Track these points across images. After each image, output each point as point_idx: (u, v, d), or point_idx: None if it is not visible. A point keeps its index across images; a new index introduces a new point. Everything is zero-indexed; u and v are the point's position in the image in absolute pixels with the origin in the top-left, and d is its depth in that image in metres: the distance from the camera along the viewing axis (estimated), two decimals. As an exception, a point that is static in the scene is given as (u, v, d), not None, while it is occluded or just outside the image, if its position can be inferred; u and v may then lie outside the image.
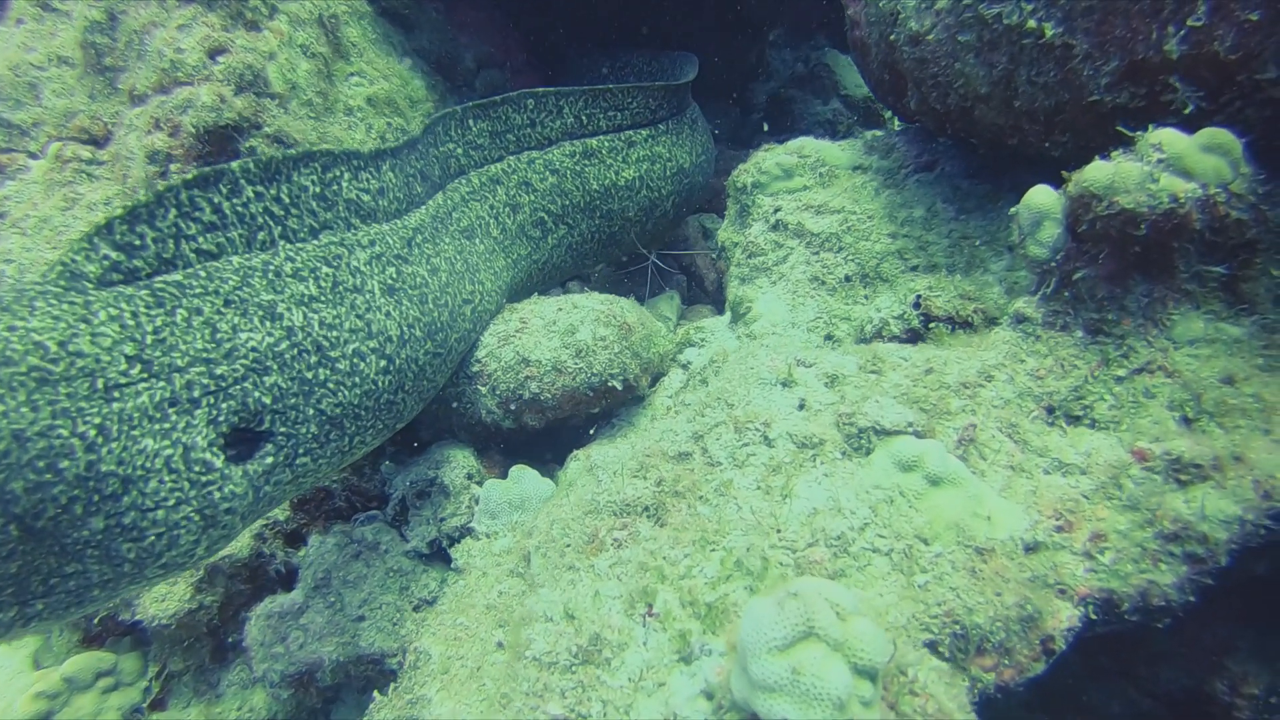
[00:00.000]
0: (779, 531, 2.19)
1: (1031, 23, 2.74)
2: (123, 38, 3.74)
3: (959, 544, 2.13)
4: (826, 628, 1.56)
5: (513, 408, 3.35)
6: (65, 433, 2.01)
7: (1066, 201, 2.49)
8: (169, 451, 2.20)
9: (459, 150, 3.62)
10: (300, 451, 2.56)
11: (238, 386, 2.37)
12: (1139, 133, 2.43)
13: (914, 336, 3.10)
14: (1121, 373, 2.50)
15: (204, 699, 3.51)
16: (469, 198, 3.62)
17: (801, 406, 2.49)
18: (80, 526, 2.05)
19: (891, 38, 3.50)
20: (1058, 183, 2.63)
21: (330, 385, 2.61)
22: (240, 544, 3.33)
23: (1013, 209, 2.67)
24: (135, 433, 2.15)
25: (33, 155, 3.95)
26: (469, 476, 3.41)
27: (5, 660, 4.15)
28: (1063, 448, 2.43)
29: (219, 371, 2.34)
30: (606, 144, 4.20)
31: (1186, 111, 2.47)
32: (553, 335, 3.35)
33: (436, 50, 5.26)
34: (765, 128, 7.11)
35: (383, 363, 2.80)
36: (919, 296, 3.10)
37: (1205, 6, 2.39)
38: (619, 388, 3.37)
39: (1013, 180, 3.63)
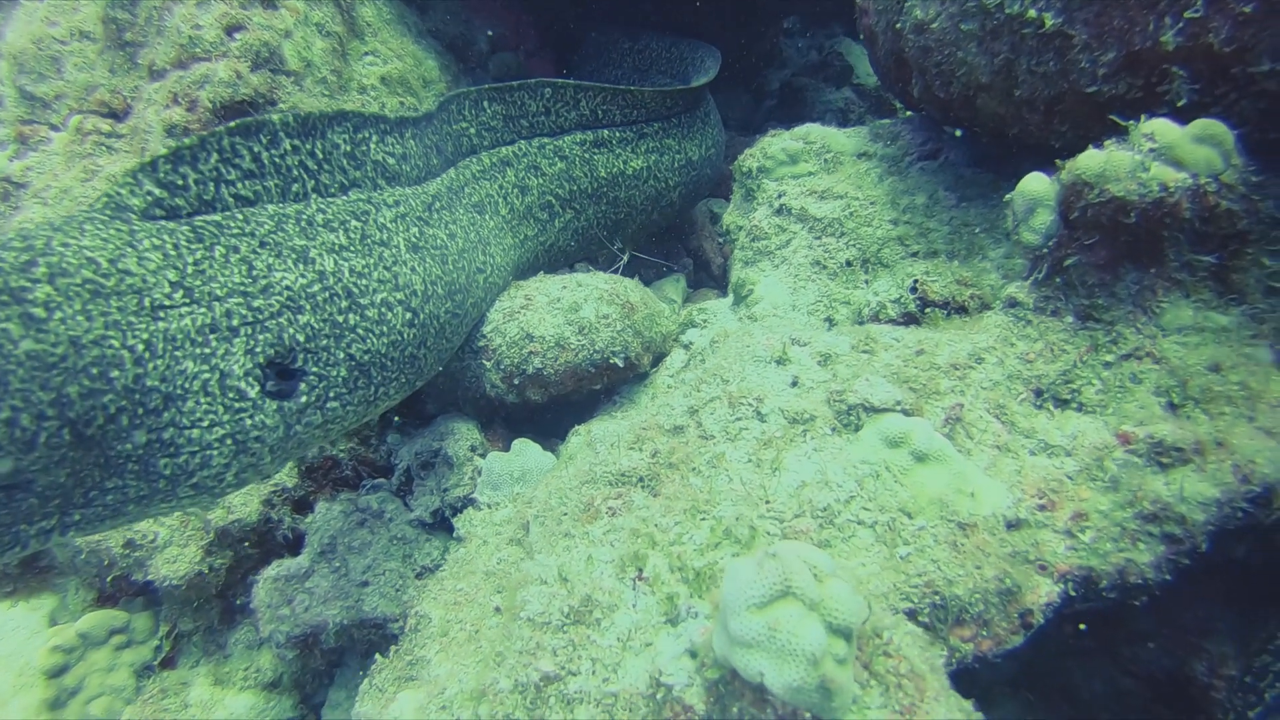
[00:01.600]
0: (768, 503, 2.26)
1: (1032, 12, 2.78)
2: (143, 13, 3.82)
3: (942, 519, 2.19)
4: (803, 587, 1.63)
5: (516, 382, 3.43)
6: (116, 344, 2.13)
7: (1059, 189, 2.54)
8: (207, 375, 2.32)
9: (472, 130, 3.69)
10: (330, 395, 2.66)
11: (273, 320, 2.49)
12: (1131, 122, 2.47)
13: (910, 320, 3.16)
14: (1110, 358, 2.55)
15: (212, 659, 3.62)
16: (479, 176, 3.70)
17: (794, 384, 2.56)
18: (125, 439, 2.16)
19: (897, 25, 3.54)
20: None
21: (360, 331, 2.73)
22: (249, 509, 3.43)
23: (1007, 195, 2.72)
24: (178, 353, 2.27)
25: (54, 127, 4.04)
26: (472, 449, 3.49)
27: (24, 619, 4.28)
28: (1049, 429, 2.49)
29: (255, 304, 2.46)
30: (617, 135, 4.27)
31: (1180, 104, 2.51)
32: (556, 312, 3.42)
33: (450, 31, 5.32)
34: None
35: (408, 315, 2.91)
36: (916, 281, 3.15)
37: (1202, -1, 2.43)
38: (620, 365, 3.45)
39: (1015, 169, 3.62)
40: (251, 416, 2.42)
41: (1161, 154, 2.39)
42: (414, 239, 3.03)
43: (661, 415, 2.66)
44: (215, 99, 3.43)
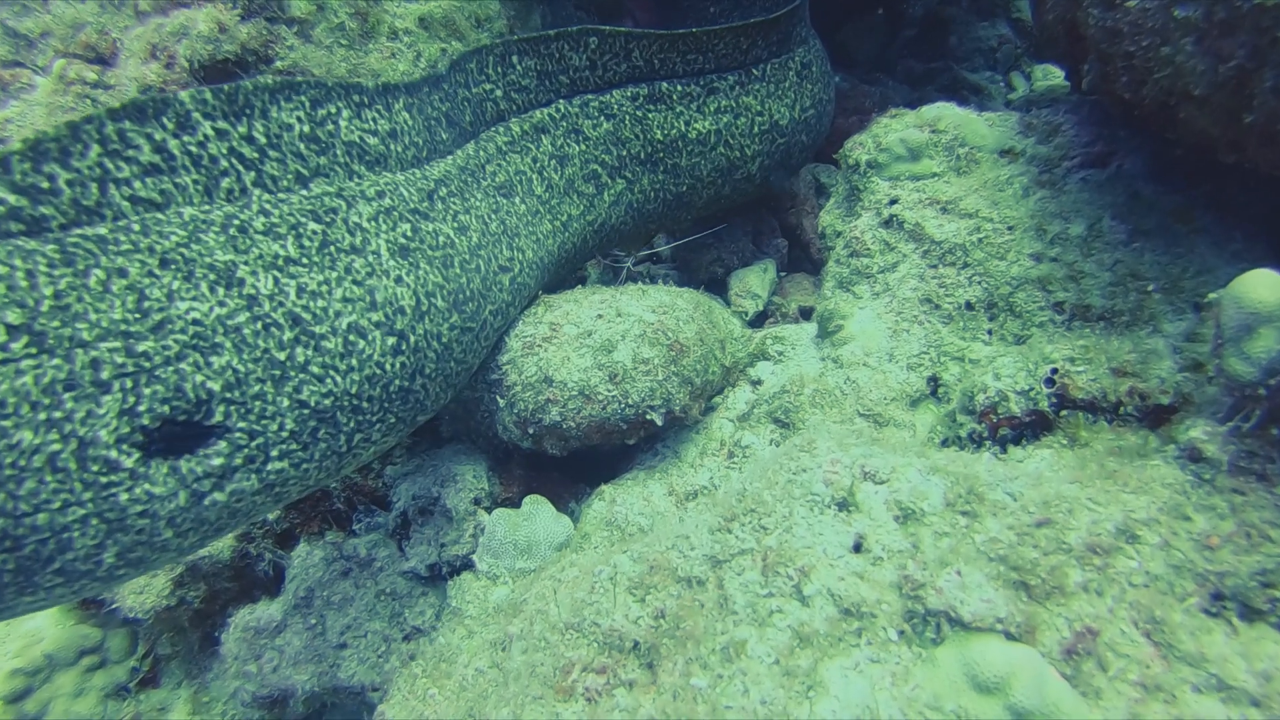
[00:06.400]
0: (792, 744, 1.60)
1: (1294, 8, 1.84)
2: (138, -64, 3.22)
3: (1044, 817, 1.49)
4: None
5: (531, 430, 2.81)
6: None
7: (1300, 308, 1.67)
8: (56, 447, 1.80)
9: (498, 92, 2.99)
10: (273, 454, 2.11)
11: (170, 368, 1.93)
12: None
13: (1039, 421, 2.34)
14: (1338, 560, 1.72)
15: (194, 682, 3.31)
16: (507, 149, 3.02)
17: (858, 548, 1.84)
18: None
19: (1077, -8, 2.59)
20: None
21: (314, 369, 2.14)
22: (221, 544, 3.00)
23: (1212, 294, 1.86)
24: (6, 424, 1.75)
25: (38, 71, 3.54)
26: (476, 501, 2.93)
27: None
28: (1227, 657, 1.71)
29: (141, 349, 1.89)
30: (679, 89, 3.43)
31: None
32: (584, 351, 2.75)
33: (526, -50, 4.51)
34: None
35: (391, 340, 2.31)
36: (1054, 370, 2.32)
37: None
38: (658, 422, 2.77)
39: (1214, 193, 2.72)
40: (129, 490, 1.88)
41: None
42: (403, 240, 2.41)
43: (676, 553, 2.00)
44: (194, 56, 2.82)
